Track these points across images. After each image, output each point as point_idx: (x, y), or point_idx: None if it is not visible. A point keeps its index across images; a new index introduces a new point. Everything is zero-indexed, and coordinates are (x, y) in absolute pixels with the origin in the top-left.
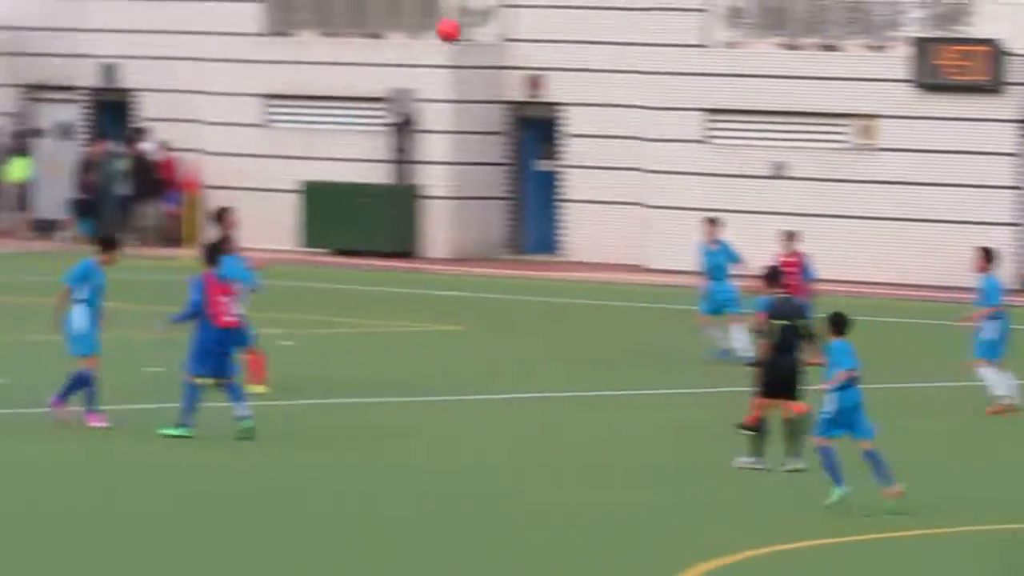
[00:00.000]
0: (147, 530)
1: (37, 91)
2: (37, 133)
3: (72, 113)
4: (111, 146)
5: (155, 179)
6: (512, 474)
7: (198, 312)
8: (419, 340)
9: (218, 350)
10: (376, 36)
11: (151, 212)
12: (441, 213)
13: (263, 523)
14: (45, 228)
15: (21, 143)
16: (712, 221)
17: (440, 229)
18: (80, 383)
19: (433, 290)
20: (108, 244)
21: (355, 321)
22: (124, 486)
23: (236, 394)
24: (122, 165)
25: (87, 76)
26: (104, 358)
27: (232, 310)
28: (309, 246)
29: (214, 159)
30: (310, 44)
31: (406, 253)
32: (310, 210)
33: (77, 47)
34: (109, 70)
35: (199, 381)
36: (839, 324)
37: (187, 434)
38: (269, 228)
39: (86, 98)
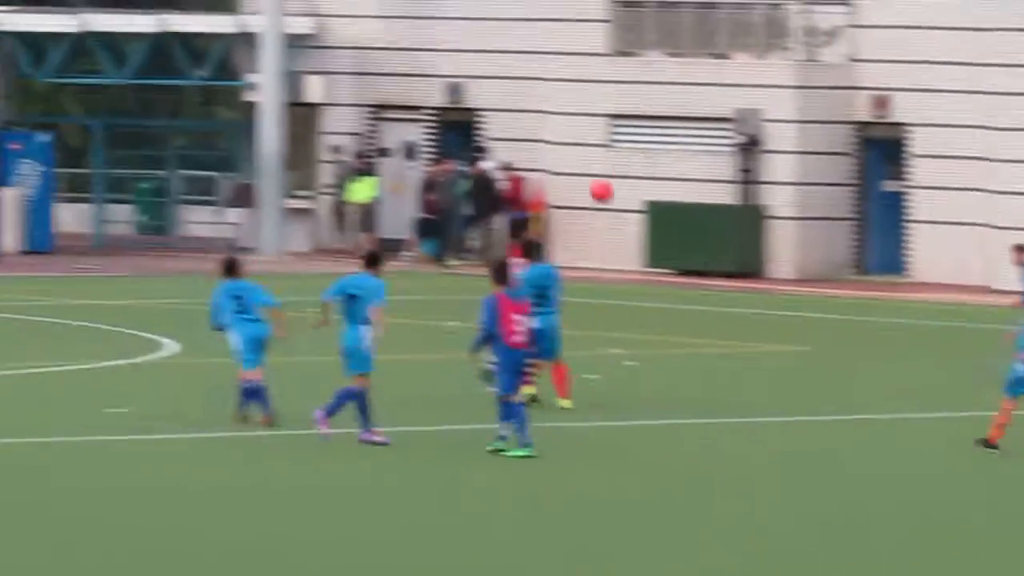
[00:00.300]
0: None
1: (382, 111)
2: (383, 153)
3: (417, 133)
4: (455, 166)
5: (497, 199)
6: (830, 496)
7: (491, 333)
8: (763, 361)
9: (512, 368)
10: (722, 56)
11: (494, 232)
12: (786, 233)
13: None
14: (389, 248)
15: (366, 163)
16: (1020, 248)
17: (785, 249)
18: (348, 399)
19: (778, 311)
20: (373, 259)
21: (699, 342)
22: (437, 505)
23: (507, 414)
24: (465, 185)
25: (433, 96)
26: (435, 378)
27: (525, 329)
28: (652, 267)
29: (558, 179)
30: (656, 64)
31: (750, 274)
32: (654, 230)
33: (423, 67)
34: (454, 90)
35: (512, 399)
36: None
37: (531, 453)
38: (614, 249)
39: (431, 118)
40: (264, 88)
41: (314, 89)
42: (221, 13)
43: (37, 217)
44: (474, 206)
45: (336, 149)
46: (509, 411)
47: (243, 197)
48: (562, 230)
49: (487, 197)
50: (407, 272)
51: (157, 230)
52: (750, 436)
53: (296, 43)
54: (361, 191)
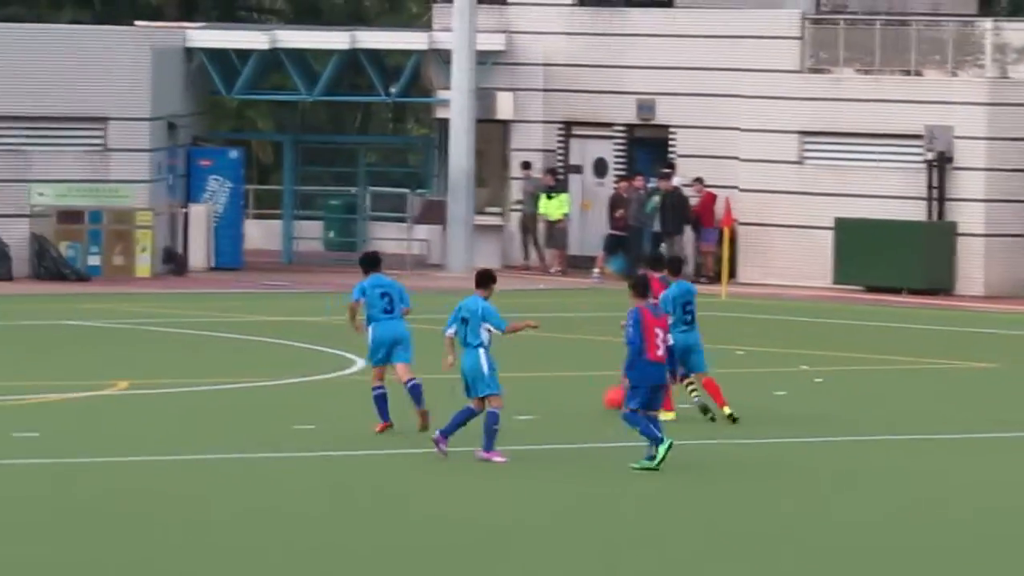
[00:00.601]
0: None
1: (572, 127)
2: (573, 169)
3: (607, 149)
4: (643, 182)
5: (686, 215)
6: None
7: (637, 348)
8: (952, 377)
9: (649, 383)
10: (914, 73)
11: (685, 248)
12: (976, 250)
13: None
14: (580, 265)
15: (557, 179)
16: None
17: (974, 266)
18: (495, 422)
19: (968, 327)
20: (482, 280)
21: (887, 358)
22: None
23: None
24: (655, 201)
25: (623, 112)
26: (583, 395)
27: (665, 343)
28: (841, 283)
29: (748, 195)
30: (847, 81)
31: (940, 290)
32: (843, 247)
33: (613, 83)
34: (645, 106)
35: (638, 412)
36: None
37: (651, 466)
38: (803, 265)
39: (621, 134)
40: (455, 104)
41: (504, 106)
42: (412, 30)
43: (226, 233)
44: (663, 222)
45: (526, 166)
46: (636, 424)
47: (433, 214)
48: (751, 247)
49: (676, 214)
50: (596, 289)
51: (346, 247)
52: (940, 455)
53: (486, 60)
54: (553, 208)
